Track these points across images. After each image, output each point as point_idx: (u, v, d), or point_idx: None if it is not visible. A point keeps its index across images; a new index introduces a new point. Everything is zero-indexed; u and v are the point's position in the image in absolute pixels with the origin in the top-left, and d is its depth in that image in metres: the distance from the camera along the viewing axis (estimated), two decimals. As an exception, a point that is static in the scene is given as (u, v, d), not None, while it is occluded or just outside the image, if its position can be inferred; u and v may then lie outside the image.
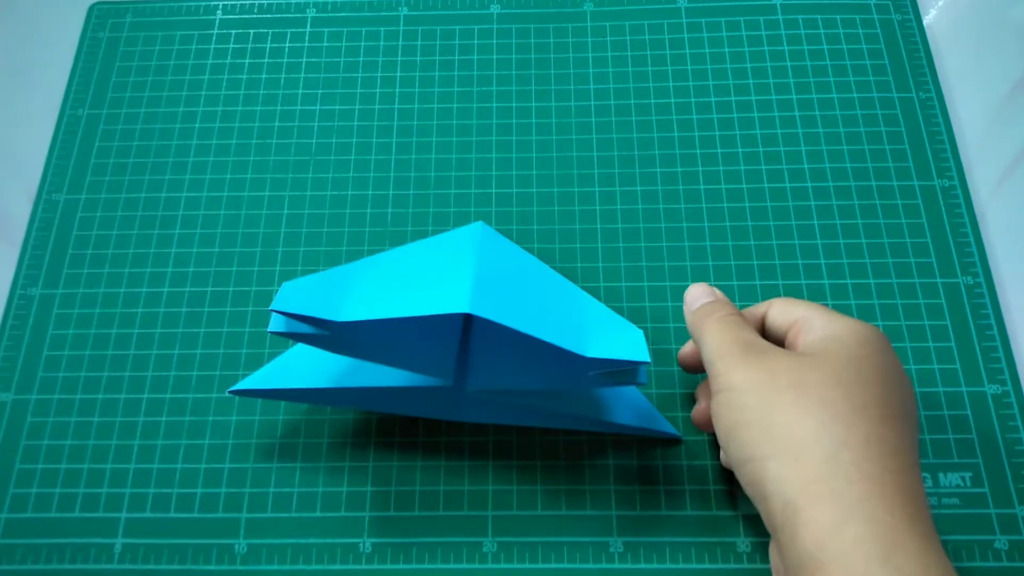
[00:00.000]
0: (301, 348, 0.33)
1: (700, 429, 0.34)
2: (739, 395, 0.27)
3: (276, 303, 0.27)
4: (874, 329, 0.28)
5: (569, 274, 0.38)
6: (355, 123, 0.42)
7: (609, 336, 0.29)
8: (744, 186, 0.40)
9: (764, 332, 0.31)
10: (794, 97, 0.42)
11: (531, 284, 0.32)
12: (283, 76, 0.44)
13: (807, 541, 0.23)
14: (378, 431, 0.35)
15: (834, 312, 0.29)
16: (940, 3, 0.46)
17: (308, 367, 0.33)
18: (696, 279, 0.38)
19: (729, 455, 0.27)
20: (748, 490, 0.26)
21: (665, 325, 0.37)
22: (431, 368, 0.31)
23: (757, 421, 0.26)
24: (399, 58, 0.44)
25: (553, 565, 0.32)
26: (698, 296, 0.32)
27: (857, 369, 0.26)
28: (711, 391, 0.28)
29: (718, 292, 0.32)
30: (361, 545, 0.33)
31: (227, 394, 0.34)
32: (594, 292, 0.37)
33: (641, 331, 0.29)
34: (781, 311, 0.30)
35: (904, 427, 0.26)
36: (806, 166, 0.40)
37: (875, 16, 0.44)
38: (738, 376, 0.27)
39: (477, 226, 0.35)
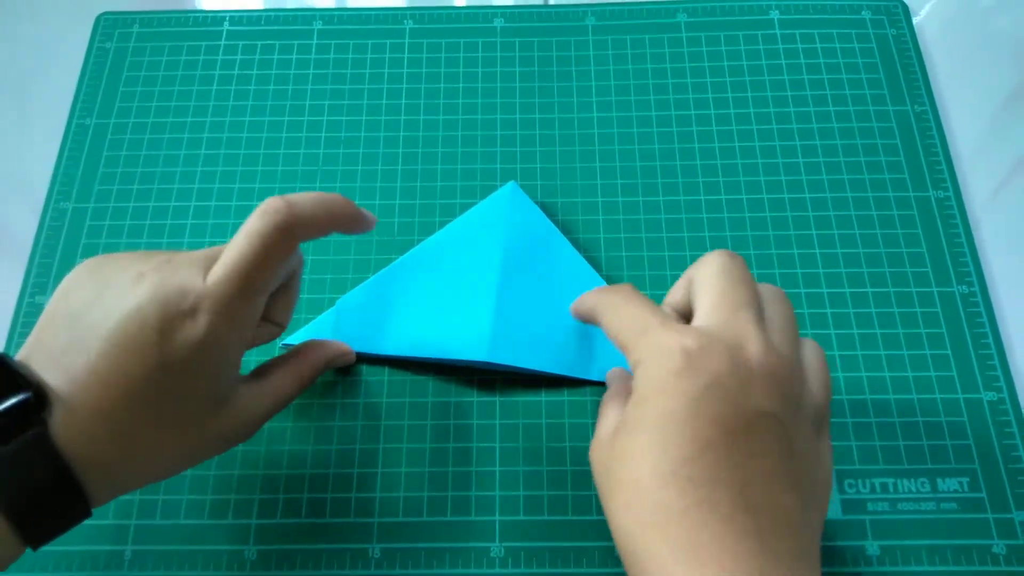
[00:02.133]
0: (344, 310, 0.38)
1: None
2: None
3: (336, 333, 0.37)
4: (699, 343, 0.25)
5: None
6: (362, 134, 0.43)
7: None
8: (743, 197, 0.41)
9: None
10: (792, 110, 0.43)
11: (549, 275, 0.37)
12: (290, 87, 0.44)
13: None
14: (386, 437, 0.36)
15: (715, 296, 0.26)
16: (934, 17, 0.47)
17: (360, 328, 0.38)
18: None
19: None
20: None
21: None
22: (462, 366, 0.37)
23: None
24: (405, 70, 0.45)
25: (560, 569, 0.33)
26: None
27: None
28: None
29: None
30: (371, 550, 0.33)
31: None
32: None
33: None
34: (695, 286, 0.28)
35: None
36: (804, 177, 0.41)
37: (870, 31, 0.45)
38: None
39: (508, 190, 0.39)
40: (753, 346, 0.25)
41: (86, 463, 0.24)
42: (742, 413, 0.24)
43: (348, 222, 0.30)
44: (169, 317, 0.25)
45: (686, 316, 0.29)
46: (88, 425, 0.24)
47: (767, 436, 0.24)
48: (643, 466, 0.24)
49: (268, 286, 0.28)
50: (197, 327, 0.25)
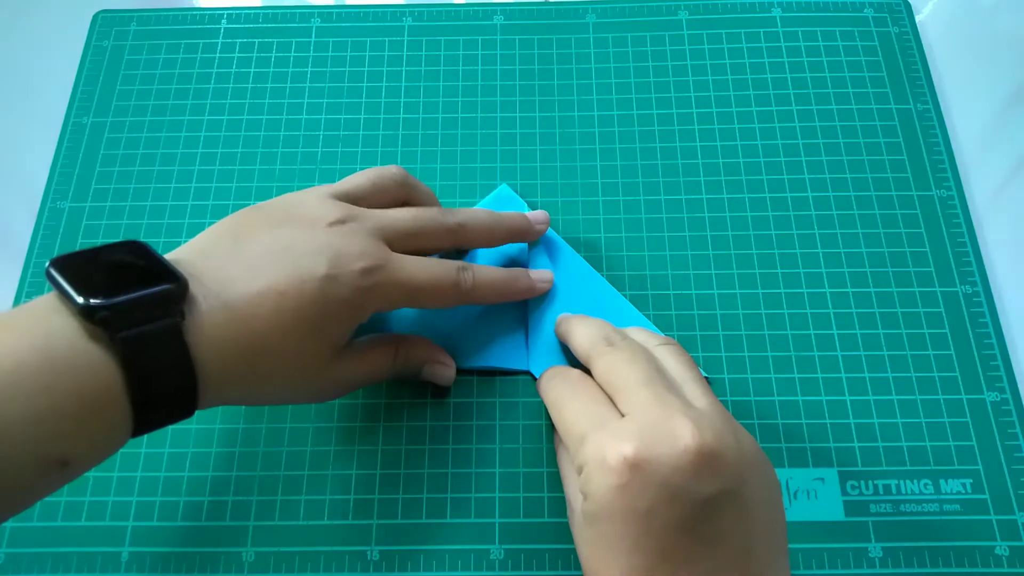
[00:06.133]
0: None
1: None
2: None
3: None
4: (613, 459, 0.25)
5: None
6: (360, 132, 0.42)
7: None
8: (746, 195, 0.40)
9: None
10: (794, 108, 0.43)
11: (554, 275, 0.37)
12: (288, 85, 0.44)
13: None
14: (384, 439, 0.35)
15: (632, 392, 0.27)
16: (937, 15, 0.46)
17: None
18: (698, 287, 0.38)
19: None
20: None
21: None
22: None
23: None
24: (404, 68, 0.44)
25: (560, 572, 0.33)
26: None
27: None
28: None
29: None
30: (369, 553, 0.33)
31: None
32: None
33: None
34: (605, 379, 0.29)
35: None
36: (806, 176, 0.41)
37: (873, 28, 0.45)
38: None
39: (500, 193, 0.40)
40: (685, 429, 0.24)
41: (207, 365, 0.25)
42: (694, 507, 0.24)
43: (515, 298, 0.35)
44: (343, 263, 0.28)
45: None
46: (223, 331, 0.26)
47: (724, 514, 0.24)
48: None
49: (421, 305, 0.32)
50: (362, 283, 0.28)
